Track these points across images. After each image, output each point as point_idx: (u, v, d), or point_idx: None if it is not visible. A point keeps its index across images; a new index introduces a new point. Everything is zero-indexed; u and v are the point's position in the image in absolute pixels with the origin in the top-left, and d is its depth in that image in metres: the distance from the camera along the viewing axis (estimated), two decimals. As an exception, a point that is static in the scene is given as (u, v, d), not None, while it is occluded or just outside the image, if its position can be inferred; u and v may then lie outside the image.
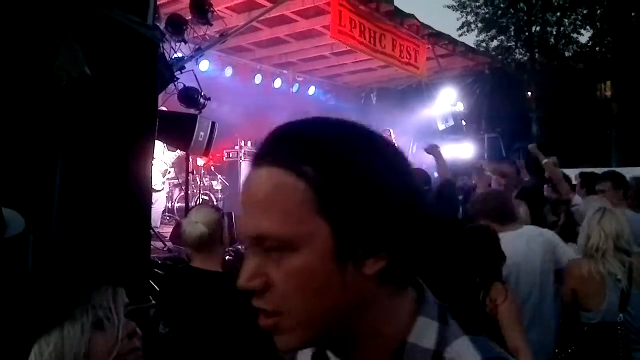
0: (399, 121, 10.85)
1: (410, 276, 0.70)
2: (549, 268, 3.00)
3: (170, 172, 7.94)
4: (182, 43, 6.38)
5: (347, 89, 12.54)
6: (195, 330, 2.30)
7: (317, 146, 0.64)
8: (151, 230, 4.41)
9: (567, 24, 21.72)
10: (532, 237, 3.06)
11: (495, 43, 21.90)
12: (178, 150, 7.38)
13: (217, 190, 8.90)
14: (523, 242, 2.99)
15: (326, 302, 0.63)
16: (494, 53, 19.43)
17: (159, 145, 6.48)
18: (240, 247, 6.08)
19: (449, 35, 9.99)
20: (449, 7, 22.62)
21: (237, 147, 8.92)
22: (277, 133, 0.67)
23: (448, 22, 18.22)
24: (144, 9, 3.45)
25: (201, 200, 8.30)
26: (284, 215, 0.62)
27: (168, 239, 6.07)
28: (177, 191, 8.30)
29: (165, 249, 5.73)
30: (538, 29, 21.87)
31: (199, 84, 6.38)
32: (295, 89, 10.74)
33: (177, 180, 8.14)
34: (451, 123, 11.05)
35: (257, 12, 7.53)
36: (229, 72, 9.18)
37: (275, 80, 10.18)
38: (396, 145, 0.72)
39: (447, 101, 11.00)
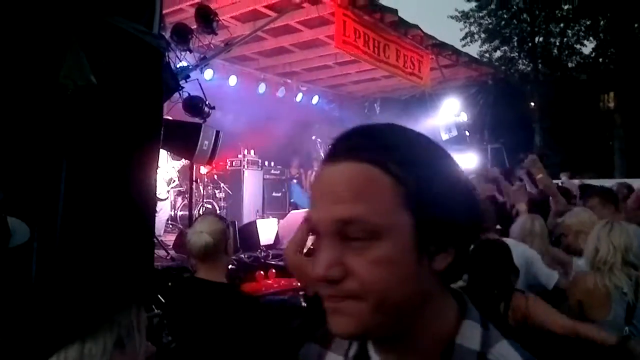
0: (402, 131, 10.82)
1: (458, 277, 0.75)
2: (524, 282, 2.98)
3: (174, 181, 7.96)
4: (187, 52, 6.42)
5: (350, 98, 12.53)
6: (199, 341, 2.29)
7: (399, 146, 0.70)
8: (155, 239, 4.40)
9: (570, 34, 21.83)
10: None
11: (498, 53, 22.03)
12: (182, 159, 7.40)
13: (220, 198, 8.89)
14: None
15: (406, 291, 0.67)
16: (497, 63, 19.52)
17: (163, 154, 6.48)
18: (243, 255, 6.08)
19: (452, 46, 9.99)
20: (452, 17, 22.78)
21: (240, 156, 8.92)
22: (357, 131, 0.72)
23: (451, 33, 18.29)
24: (150, 17, 3.46)
25: (204, 208, 8.31)
26: (375, 204, 0.66)
27: (171, 247, 6.07)
28: (180, 199, 8.32)
29: (168, 257, 5.73)
30: (541, 39, 21.98)
31: (203, 93, 6.39)
32: (298, 98, 10.73)
33: (181, 188, 8.15)
34: (454, 133, 11.06)
35: (261, 21, 7.56)
36: (233, 80, 9.18)
37: (279, 89, 10.20)
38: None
39: (451, 111, 11.01)
